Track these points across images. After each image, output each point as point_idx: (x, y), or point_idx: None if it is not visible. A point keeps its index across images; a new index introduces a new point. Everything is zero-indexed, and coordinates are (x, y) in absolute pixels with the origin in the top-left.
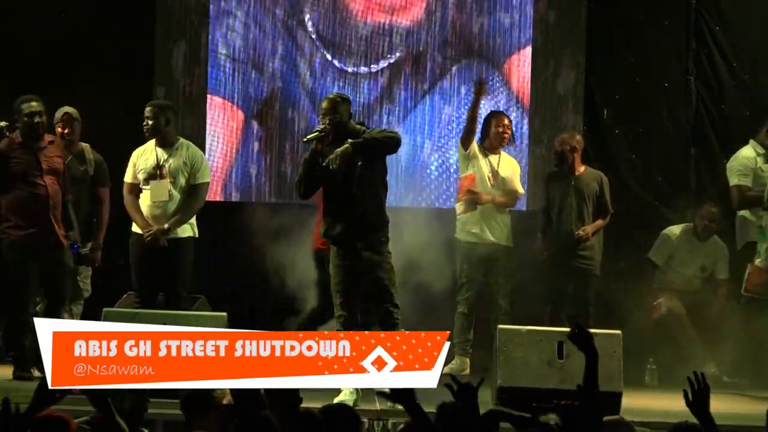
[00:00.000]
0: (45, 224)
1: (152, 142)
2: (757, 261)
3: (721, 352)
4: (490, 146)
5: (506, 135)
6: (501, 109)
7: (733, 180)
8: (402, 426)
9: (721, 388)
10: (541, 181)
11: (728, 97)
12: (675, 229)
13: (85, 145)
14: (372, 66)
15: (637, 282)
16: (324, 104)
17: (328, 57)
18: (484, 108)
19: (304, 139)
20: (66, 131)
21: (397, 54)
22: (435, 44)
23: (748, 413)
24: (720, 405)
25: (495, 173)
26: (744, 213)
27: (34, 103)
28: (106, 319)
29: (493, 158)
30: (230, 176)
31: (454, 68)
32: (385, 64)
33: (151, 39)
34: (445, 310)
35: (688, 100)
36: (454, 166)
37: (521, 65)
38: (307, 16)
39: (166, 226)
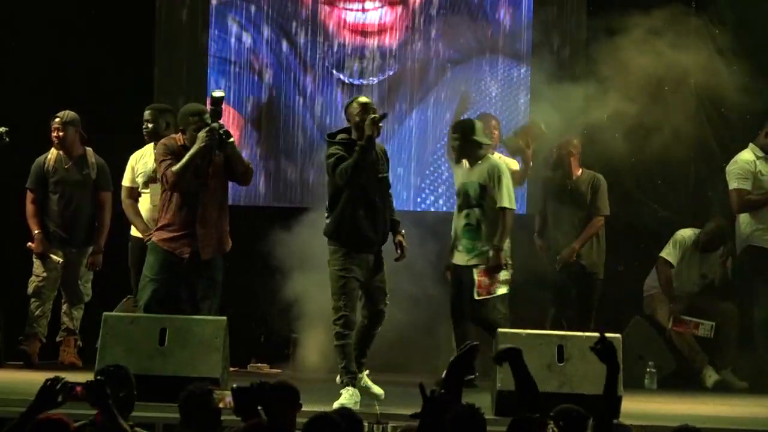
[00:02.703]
0: (190, 232)
1: (150, 146)
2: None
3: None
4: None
5: (493, 136)
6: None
7: (733, 184)
8: (402, 429)
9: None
10: (540, 184)
11: (727, 100)
12: (685, 232)
13: (88, 149)
14: (371, 78)
15: (637, 285)
16: (367, 100)
17: (327, 65)
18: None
19: (374, 116)
20: (55, 135)
21: (396, 66)
22: (433, 50)
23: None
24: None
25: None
26: (744, 217)
27: (207, 115)
28: (105, 323)
29: (484, 162)
30: None
31: (450, 73)
32: (384, 77)
33: (151, 43)
34: (443, 314)
35: (687, 103)
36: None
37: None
38: (306, 26)
39: None
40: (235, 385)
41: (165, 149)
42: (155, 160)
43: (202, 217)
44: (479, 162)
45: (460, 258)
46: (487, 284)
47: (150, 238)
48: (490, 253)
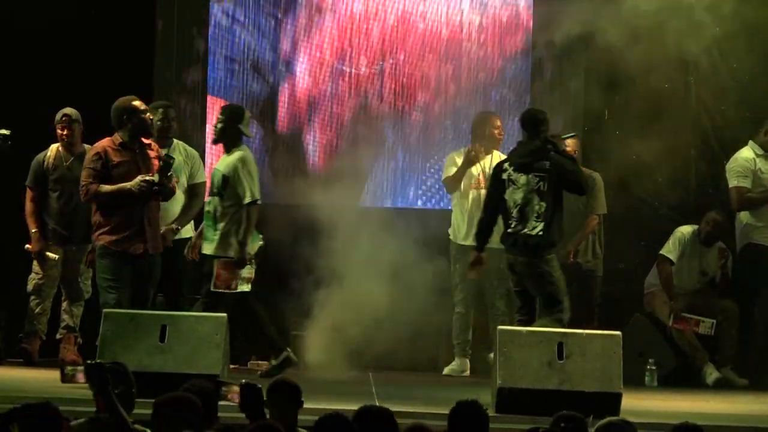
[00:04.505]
0: (139, 229)
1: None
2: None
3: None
4: (482, 148)
5: (500, 136)
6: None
7: (733, 182)
8: (405, 427)
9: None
10: None
11: (728, 98)
12: (685, 229)
13: (87, 147)
14: (372, 67)
15: (637, 282)
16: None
17: (328, 58)
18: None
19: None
20: (65, 133)
21: (395, 56)
22: (433, 44)
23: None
24: (722, 405)
25: (486, 176)
26: (744, 214)
27: (140, 101)
28: (105, 320)
29: (486, 160)
30: None
31: (452, 67)
32: (384, 66)
33: (152, 39)
34: (442, 312)
35: (688, 101)
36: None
37: (521, 65)
38: (306, 19)
39: (174, 226)
40: (243, 381)
41: (97, 157)
42: (86, 163)
43: (149, 216)
44: (233, 152)
45: (204, 247)
46: (225, 277)
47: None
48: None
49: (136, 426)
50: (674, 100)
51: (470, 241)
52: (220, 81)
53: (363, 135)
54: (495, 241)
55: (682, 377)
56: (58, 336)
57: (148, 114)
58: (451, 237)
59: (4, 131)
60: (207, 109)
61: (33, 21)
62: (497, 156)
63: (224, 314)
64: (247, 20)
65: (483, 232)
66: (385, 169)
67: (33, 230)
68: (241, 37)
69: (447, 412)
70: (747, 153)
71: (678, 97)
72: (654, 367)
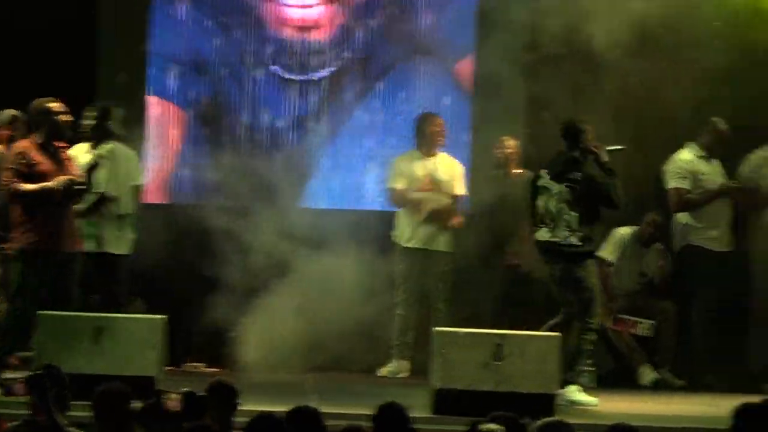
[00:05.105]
0: (59, 228)
1: (88, 145)
2: None
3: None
4: (426, 149)
5: (442, 135)
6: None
7: (672, 183)
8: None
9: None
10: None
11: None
12: (624, 230)
13: None
14: (312, 74)
15: None
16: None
17: (269, 62)
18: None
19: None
20: (15, 134)
21: (339, 61)
22: (376, 47)
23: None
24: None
25: (432, 177)
26: (682, 215)
27: (58, 103)
28: (41, 323)
29: (430, 161)
30: (172, 178)
31: (394, 70)
32: (326, 72)
33: (93, 40)
34: (384, 313)
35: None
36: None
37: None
38: (249, 23)
39: None
40: (185, 389)
41: (21, 157)
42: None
43: (68, 214)
44: (100, 148)
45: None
46: None
47: None
48: None
49: (71, 429)
50: (613, 98)
51: (413, 243)
52: (161, 82)
53: (305, 136)
54: (442, 243)
55: (619, 378)
56: None
57: (63, 116)
58: (395, 239)
59: None
60: (148, 111)
61: (33, 21)
62: (443, 157)
63: (162, 316)
64: (190, 21)
65: None
66: (327, 170)
67: None
68: (185, 38)
69: None
70: (685, 155)
71: (620, 94)
72: (592, 368)
